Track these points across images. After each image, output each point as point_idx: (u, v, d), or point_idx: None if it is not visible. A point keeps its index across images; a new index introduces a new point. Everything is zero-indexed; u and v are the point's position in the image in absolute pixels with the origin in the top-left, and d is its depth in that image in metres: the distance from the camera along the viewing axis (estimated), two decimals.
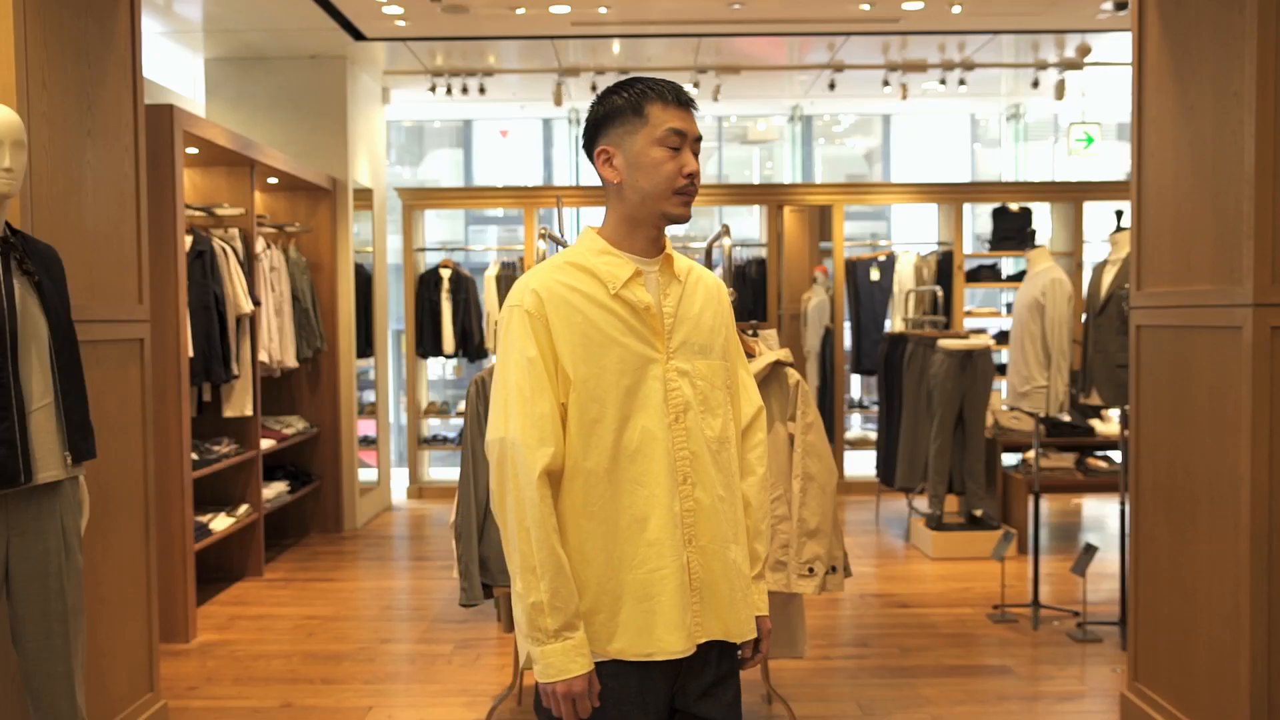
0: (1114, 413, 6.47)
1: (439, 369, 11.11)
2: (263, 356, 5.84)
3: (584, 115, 1.88)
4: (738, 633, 1.84)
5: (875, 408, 8.32)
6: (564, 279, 1.79)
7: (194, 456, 5.04)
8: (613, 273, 1.80)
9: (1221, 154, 3.15)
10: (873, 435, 8.36)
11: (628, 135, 1.79)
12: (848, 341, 8.43)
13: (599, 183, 1.86)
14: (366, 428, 7.69)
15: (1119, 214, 4.94)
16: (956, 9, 6.31)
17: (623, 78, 1.88)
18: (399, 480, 8.62)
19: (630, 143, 1.79)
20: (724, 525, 1.83)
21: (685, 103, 1.81)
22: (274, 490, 6.13)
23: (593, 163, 1.85)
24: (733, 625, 1.83)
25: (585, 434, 1.76)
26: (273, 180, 6.35)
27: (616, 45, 7.29)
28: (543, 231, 3.67)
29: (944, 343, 5.96)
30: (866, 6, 6.24)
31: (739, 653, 1.90)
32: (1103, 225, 8.46)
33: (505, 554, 1.78)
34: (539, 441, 1.73)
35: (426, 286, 8.16)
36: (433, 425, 8.76)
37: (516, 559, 1.73)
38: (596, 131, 1.83)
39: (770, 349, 3.49)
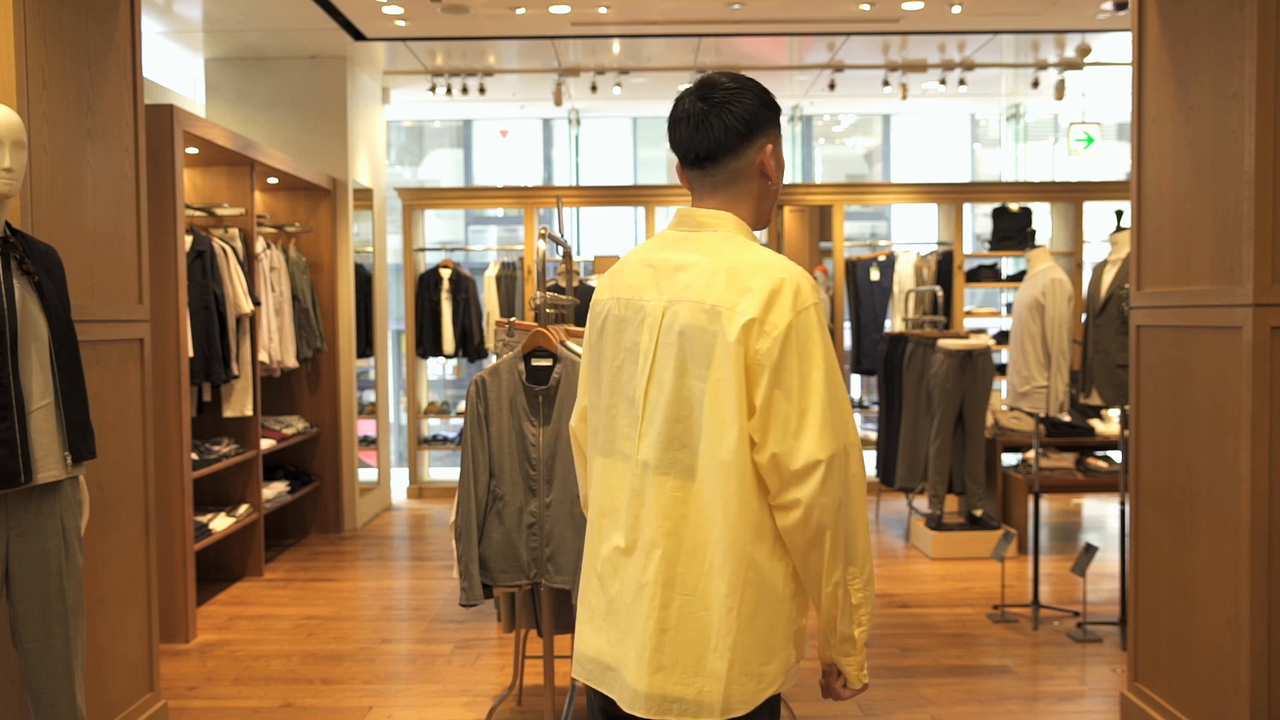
0: (1114, 413, 6.47)
1: (439, 369, 11.12)
2: (263, 356, 5.84)
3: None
4: None
5: (875, 408, 8.32)
6: None
7: (194, 456, 5.04)
8: None
9: (1221, 154, 3.15)
10: (873, 435, 8.35)
11: (777, 139, 1.78)
12: (848, 341, 8.43)
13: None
14: (366, 428, 7.69)
15: (1119, 214, 4.94)
16: (956, 9, 6.31)
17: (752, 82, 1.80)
18: (399, 480, 8.62)
19: (778, 147, 1.79)
20: None
21: None
22: (274, 490, 6.13)
23: (730, 153, 1.73)
24: None
25: None
26: (273, 180, 6.35)
27: (616, 45, 7.29)
28: (543, 231, 3.67)
29: (944, 343, 5.96)
30: (866, 6, 6.24)
31: None
32: (1103, 225, 8.47)
33: (845, 558, 1.65)
34: None
35: (426, 286, 8.16)
36: (433, 425, 8.76)
37: (860, 563, 1.67)
38: (761, 127, 1.75)
39: None
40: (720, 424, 1.63)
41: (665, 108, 1.82)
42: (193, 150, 5.24)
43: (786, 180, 11.20)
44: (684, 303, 1.67)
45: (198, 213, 5.39)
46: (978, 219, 10.60)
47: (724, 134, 1.71)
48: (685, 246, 1.73)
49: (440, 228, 12.07)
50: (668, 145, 1.83)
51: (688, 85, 1.83)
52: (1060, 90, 7.85)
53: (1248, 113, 2.99)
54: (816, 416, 1.60)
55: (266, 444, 5.98)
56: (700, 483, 1.64)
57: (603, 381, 1.79)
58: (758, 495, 1.63)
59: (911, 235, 11.21)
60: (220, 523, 5.33)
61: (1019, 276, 8.25)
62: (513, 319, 4.56)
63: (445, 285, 8.11)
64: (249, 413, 5.55)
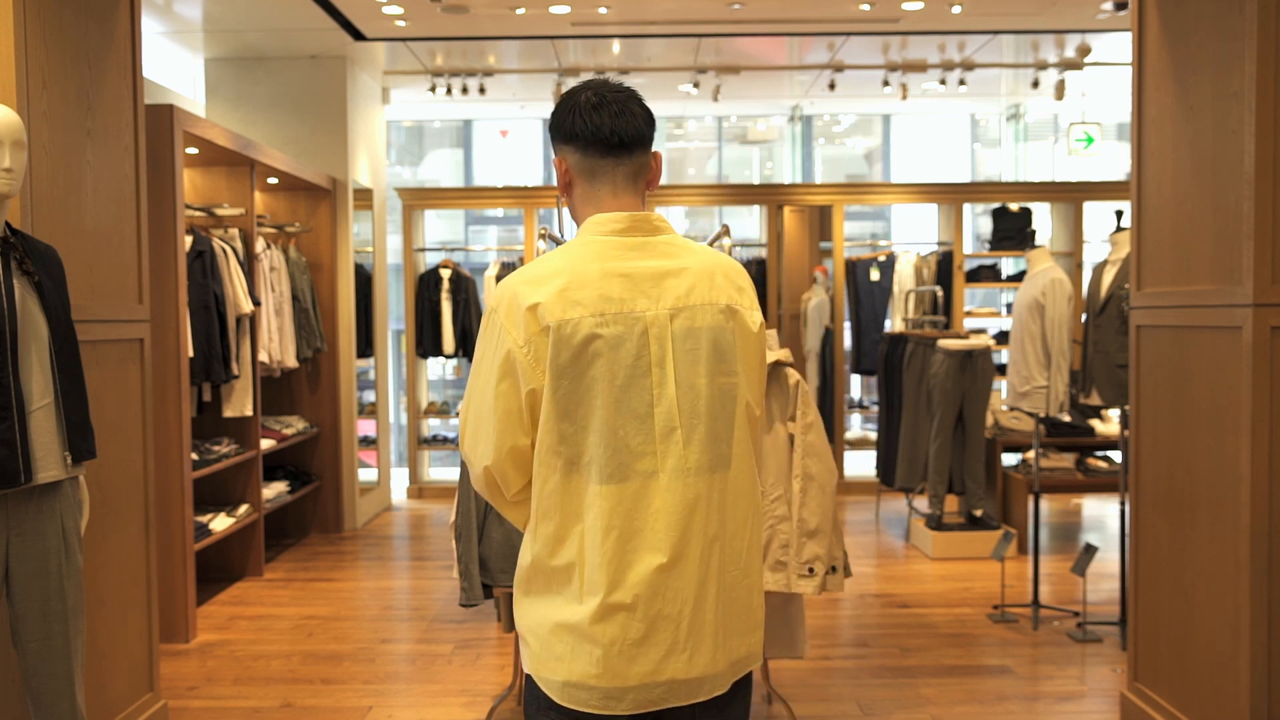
0: (1114, 413, 6.47)
1: (439, 369, 11.12)
2: (263, 356, 5.84)
3: None
4: None
5: (875, 408, 8.32)
6: None
7: (194, 456, 5.04)
8: None
9: (1221, 154, 3.15)
10: (873, 435, 8.36)
11: None
12: (848, 341, 8.43)
13: None
14: (366, 428, 7.69)
15: (1119, 214, 4.94)
16: (956, 9, 6.31)
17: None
18: (399, 480, 8.63)
19: None
20: None
21: None
22: (274, 490, 6.13)
23: (642, 144, 1.76)
24: None
25: None
26: (273, 180, 6.35)
27: (616, 45, 7.29)
28: (543, 231, 3.67)
29: (944, 343, 5.96)
30: (866, 6, 6.24)
31: None
32: (1103, 225, 8.46)
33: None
34: None
35: (426, 286, 8.16)
36: (433, 425, 8.76)
37: None
38: (653, 130, 1.80)
39: (770, 349, 3.49)
40: (751, 409, 1.78)
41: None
42: (193, 150, 5.24)
43: (786, 180, 11.21)
44: (697, 307, 1.71)
45: (198, 213, 5.39)
46: (978, 219, 10.61)
47: (643, 123, 1.77)
48: (653, 252, 1.72)
49: (440, 228, 12.08)
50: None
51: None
52: (1060, 90, 7.85)
53: (1248, 113, 2.99)
54: None
55: (266, 444, 5.98)
56: (734, 469, 1.75)
57: (590, 405, 1.67)
58: None
59: (911, 235, 11.21)
60: (220, 523, 5.33)
61: (1019, 276, 8.25)
62: None
63: (445, 285, 8.11)
64: (249, 413, 5.55)
